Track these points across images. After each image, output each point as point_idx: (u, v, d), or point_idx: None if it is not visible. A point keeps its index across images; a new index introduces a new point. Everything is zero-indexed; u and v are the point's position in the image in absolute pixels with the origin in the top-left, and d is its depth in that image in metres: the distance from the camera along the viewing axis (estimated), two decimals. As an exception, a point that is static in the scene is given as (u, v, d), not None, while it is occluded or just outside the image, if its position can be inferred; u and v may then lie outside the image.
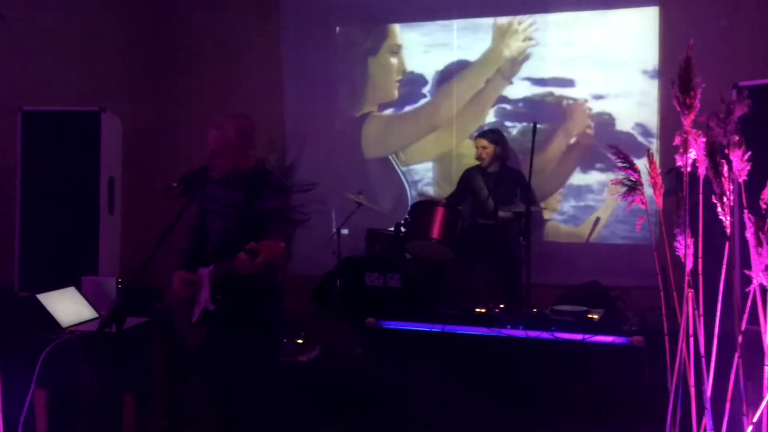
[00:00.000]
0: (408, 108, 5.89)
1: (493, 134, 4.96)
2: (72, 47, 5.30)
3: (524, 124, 5.51)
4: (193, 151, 2.93)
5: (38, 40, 5.00)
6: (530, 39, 5.55)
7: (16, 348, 3.47)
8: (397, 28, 5.91)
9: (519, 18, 5.59)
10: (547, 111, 5.50)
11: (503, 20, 5.63)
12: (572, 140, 5.44)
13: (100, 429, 3.52)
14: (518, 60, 5.58)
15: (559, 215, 5.48)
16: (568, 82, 5.47)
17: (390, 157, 5.93)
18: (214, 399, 3.08)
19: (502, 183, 4.77)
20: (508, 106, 5.61)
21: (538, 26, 5.54)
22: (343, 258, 4.95)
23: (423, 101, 5.85)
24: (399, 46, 5.89)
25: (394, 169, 5.92)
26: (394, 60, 5.92)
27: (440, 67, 5.78)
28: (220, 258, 2.76)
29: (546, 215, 5.43)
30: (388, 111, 5.94)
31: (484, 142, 4.91)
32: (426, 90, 5.84)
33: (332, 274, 4.98)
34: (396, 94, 5.90)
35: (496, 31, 5.65)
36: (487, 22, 5.67)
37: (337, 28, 6.09)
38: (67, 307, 3.72)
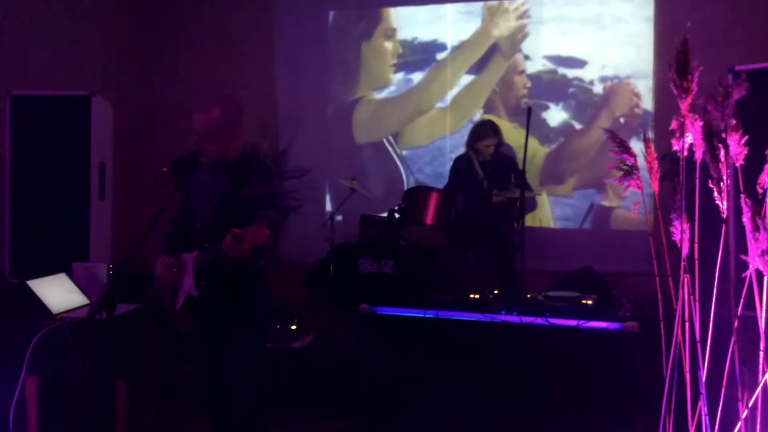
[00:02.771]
0: (401, 91, 5.85)
1: (494, 128, 4.74)
2: (62, 31, 5.24)
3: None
4: (184, 136, 2.90)
5: (27, 23, 4.93)
6: (524, 18, 5.51)
7: (7, 335, 3.45)
8: (392, 12, 5.86)
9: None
10: (556, 90, 5.50)
11: (494, 1, 5.62)
12: (620, 120, 5.32)
13: (92, 416, 3.50)
14: (517, 39, 5.54)
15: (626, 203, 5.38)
16: (573, 62, 5.48)
17: (384, 141, 5.90)
18: (205, 385, 3.06)
19: (496, 169, 4.74)
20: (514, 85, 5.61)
21: (530, 5, 5.51)
22: (337, 244, 4.92)
23: (414, 84, 5.82)
24: (393, 30, 5.85)
25: (389, 154, 5.89)
26: (388, 44, 5.88)
27: (431, 49, 5.76)
28: (204, 244, 2.73)
29: (613, 203, 5.37)
30: (382, 94, 5.90)
31: (491, 141, 4.67)
32: (418, 72, 5.80)
33: (326, 260, 4.96)
34: (391, 78, 5.87)
35: (486, 11, 5.62)
36: (478, 4, 5.66)
37: (331, 13, 6.04)
38: (58, 293, 3.69)
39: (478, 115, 5.59)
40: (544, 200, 5.47)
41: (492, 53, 5.64)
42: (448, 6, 5.72)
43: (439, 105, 5.76)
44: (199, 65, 6.09)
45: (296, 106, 6.06)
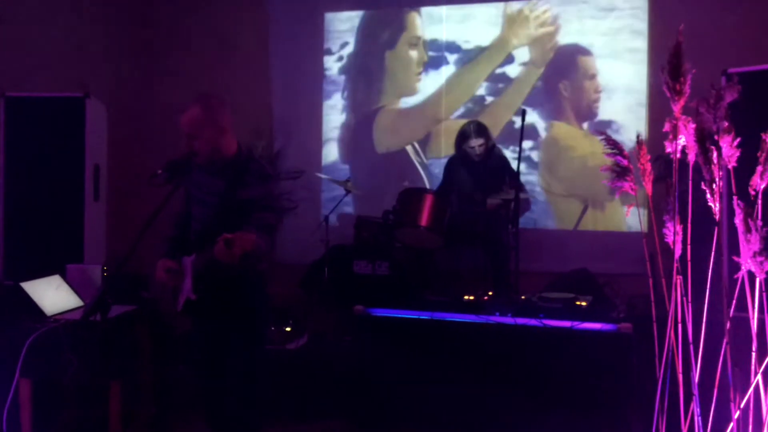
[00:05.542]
0: (422, 99, 5.81)
1: (478, 129, 4.72)
2: (57, 33, 5.23)
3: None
4: (178, 138, 2.90)
5: (22, 24, 4.92)
6: (550, 25, 5.47)
7: (0, 337, 3.43)
8: (417, 20, 5.80)
9: (530, 5, 5.53)
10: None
11: (513, 7, 5.56)
12: None
13: (86, 418, 3.50)
14: (547, 47, 5.48)
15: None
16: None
17: (407, 149, 5.83)
18: (201, 387, 3.06)
19: (489, 170, 4.74)
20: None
21: (551, 12, 5.47)
22: (332, 246, 4.92)
23: (433, 92, 5.75)
24: (418, 38, 5.76)
25: (411, 162, 5.81)
26: (413, 52, 5.79)
27: (453, 55, 5.72)
28: (202, 246, 2.73)
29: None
30: (407, 103, 5.83)
31: (476, 141, 4.66)
32: (432, 71, 5.76)
33: (320, 262, 4.95)
34: (417, 86, 5.80)
35: (506, 19, 5.58)
36: (497, 9, 5.60)
37: (326, 14, 6.01)
38: (52, 295, 3.68)
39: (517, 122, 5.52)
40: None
41: (520, 61, 5.56)
42: (445, 7, 5.69)
43: (465, 113, 5.67)
44: (194, 66, 6.08)
45: (291, 108, 6.04)
